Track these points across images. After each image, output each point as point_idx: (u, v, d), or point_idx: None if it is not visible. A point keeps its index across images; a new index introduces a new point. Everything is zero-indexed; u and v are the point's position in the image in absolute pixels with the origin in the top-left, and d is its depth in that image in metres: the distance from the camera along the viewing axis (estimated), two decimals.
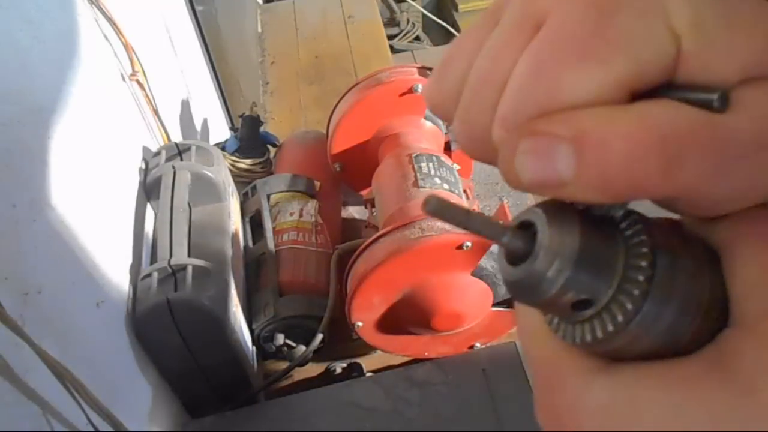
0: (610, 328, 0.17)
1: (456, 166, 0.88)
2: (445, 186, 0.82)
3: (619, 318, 0.16)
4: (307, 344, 0.84)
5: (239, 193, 0.98)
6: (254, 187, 0.98)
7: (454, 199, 0.80)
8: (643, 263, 0.16)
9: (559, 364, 0.18)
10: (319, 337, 0.83)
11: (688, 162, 0.15)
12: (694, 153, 0.15)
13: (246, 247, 0.93)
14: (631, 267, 0.17)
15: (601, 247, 0.17)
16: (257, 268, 0.92)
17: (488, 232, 0.17)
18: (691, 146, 0.15)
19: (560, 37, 0.16)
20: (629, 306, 0.16)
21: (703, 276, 0.17)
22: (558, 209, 0.17)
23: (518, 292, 0.18)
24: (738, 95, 0.15)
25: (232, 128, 1.19)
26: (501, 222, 0.18)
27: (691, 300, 0.17)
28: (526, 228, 0.18)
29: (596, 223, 0.17)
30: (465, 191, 0.88)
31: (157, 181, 0.81)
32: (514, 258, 0.18)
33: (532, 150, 0.16)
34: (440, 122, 0.97)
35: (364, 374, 0.89)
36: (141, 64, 0.89)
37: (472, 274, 0.75)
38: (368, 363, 0.91)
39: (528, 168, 0.16)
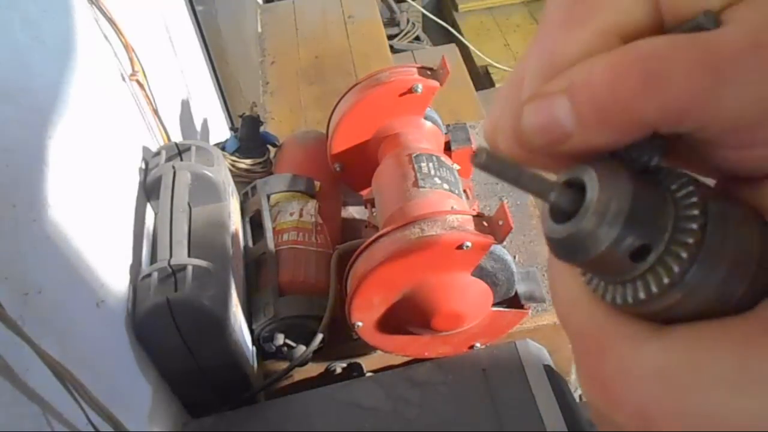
0: (666, 280, 0.16)
1: (456, 166, 0.88)
2: (445, 186, 0.81)
3: (676, 268, 0.16)
4: (307, 344, 0.84)
5: (239, 193, 0.98)
6: (254, 187, 0.98)
7: (453, 198, 0.80)
8: (695, 212, 0.16)
9: (606, 329, 0.18)
10: (319, 337, 0.83)
11: (675, 75, 0.15)
12: (680, 66, 0.15)
13: (246, 247, 0.93)
14: (682, 218, 0.16)
15: (651, 198, 0.17)
16: (257, 268, 0.92)
17: (536, 188, 0.18)
18: (675, 60, 0.15)
19: (550, 18, 0.19)
20: (685, 255, 0.16)
21: (753, 229, 0.17)
22: (604, 163, 0.17)
23: (565, 251, 0.18)
24: (727, 15, 0.16)
25: (232, 128, 1.19)
26: (548, 179, 0.18)
27: (744, 252, 0.16)
28: (571, 186, 0.18)
29: (642, 177, 0.17)
30: (465, 191, 0.88)
31: (157, 181, 0.81)
32: (560, 216, 0.18)
33: (535, 110, 0.17)
34: (440, 122, 0.97)
35: (364, 374, 0.89)
36: (141, 64, 0.89)
37: (472, 274, 0.75)
38: (368, 363, 0.91)
39: (534, 128, 0.18)
